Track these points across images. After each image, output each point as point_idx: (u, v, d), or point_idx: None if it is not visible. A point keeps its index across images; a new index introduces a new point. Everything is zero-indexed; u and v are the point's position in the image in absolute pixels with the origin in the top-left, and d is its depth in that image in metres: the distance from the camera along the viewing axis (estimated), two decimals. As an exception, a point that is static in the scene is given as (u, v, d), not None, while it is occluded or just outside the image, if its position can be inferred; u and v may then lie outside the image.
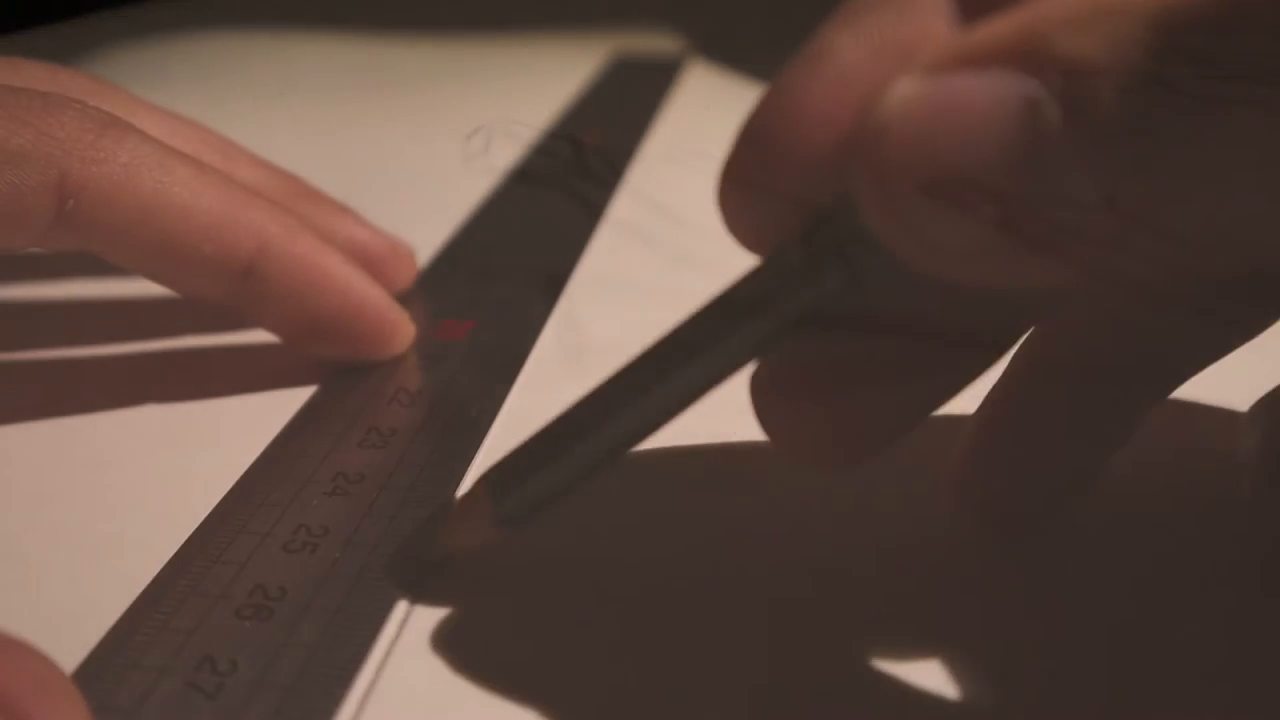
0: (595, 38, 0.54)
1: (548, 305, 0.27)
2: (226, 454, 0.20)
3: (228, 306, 0.22)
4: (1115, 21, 0.11)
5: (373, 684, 0.15)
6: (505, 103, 0.45)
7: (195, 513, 0.19)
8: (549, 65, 0.51)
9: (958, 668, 0.16)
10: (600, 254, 0.30)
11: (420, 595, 0.17)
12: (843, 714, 0.15)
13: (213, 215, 0.21)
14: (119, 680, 0.15)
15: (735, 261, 0.15)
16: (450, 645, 0.16)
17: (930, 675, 0.16)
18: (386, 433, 0.21)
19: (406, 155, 0.39)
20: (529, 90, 0.46)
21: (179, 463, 0.21)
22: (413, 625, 0.16)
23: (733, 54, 0.50)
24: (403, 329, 0.23)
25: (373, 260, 0.25)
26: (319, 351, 0.23)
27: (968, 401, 0.17)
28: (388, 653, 0.16)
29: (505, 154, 0.36)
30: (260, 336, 0.24)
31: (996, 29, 0.12)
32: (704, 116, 0.42)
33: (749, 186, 0.14)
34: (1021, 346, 0.17)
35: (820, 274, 0.14)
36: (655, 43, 0.54)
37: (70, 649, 0.15)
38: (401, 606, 0.17)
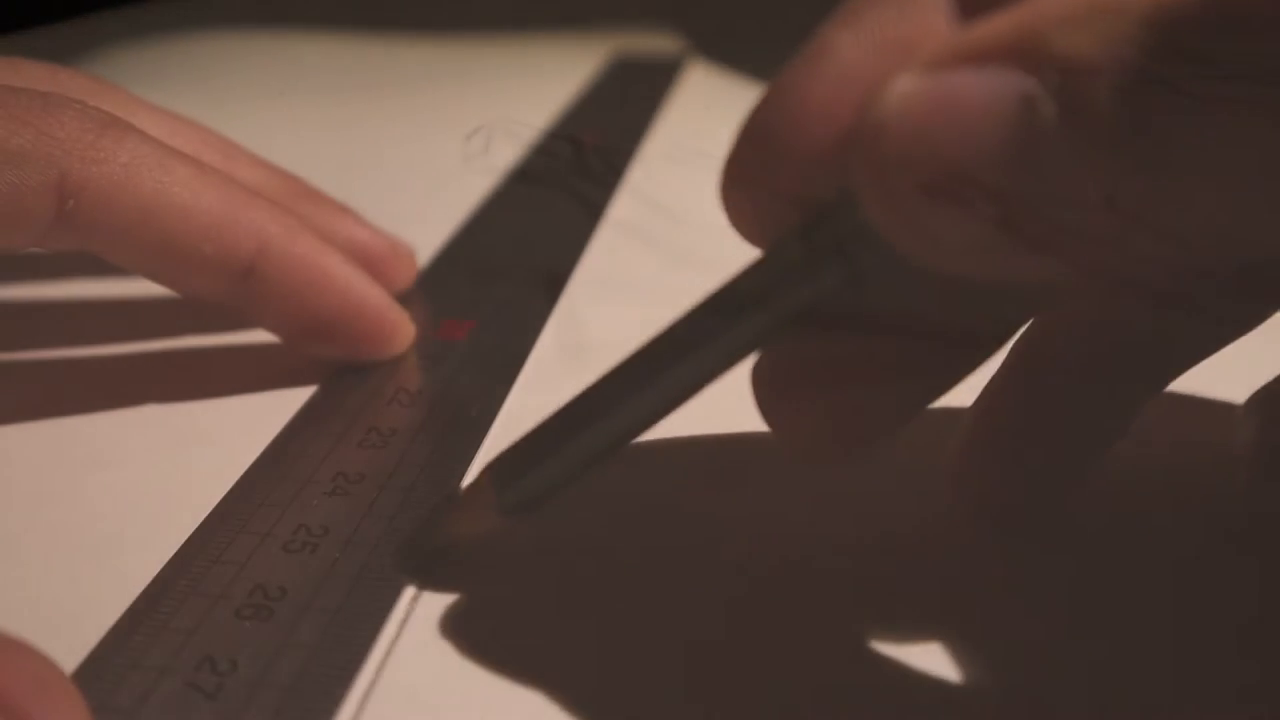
0: (595, 38, 0.54)
1: (548, 305, 0.27)
2: (226, 454, 0.20)
3: (228, 306, 0.22)
4: (1111, 20, 0.11)
5: (373, 684, 0.15)
6: (505, 103, 0.45)
7: (195, 513, 0.19)
8: (549, 65, 0.51)
9: (957, 657, 0.16)
10: (600, 254, 0.30)
11: (427, 582, 0.17)
12: (841, 697, 0.15)
13: (213, 215, 0.21)
14: (119, 680, 0.15)
15: (735, 261, 0.15)
16: (456, 630, 0.16)
17: (929, 662, 0.16)
18: (386, 433, 0.21)
19: (406, 155, 0.39)
20: (529, 90, 0.46)
21: (179, 463, 0.21)
22: (413, 625, 0.16)
23: (733, 54, 0.50)
24: (403, 329, 0.23)
25: (373, 260, 0.25)
26: (319, 351, 0.23)
27: (966, 393, 0.17)
28: (388, 653, 0.16)
29: (505, 154, 0.36)
30: (260, 336, 0.24)
31: (994, 27, 0.12)
32: (704, 116, 0.42)
33: (751, 182, 0.14)
34: (1019, 340, 0.18)
35: (819, 269, 0.14)
36: (655, 43, 0.54)
37: (70, 649, 0.15)
38: (402, 606, 0.17)
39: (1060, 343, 0.17)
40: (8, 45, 0.28)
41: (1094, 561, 0.18)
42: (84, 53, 0.49)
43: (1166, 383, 0.18)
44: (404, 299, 0.25)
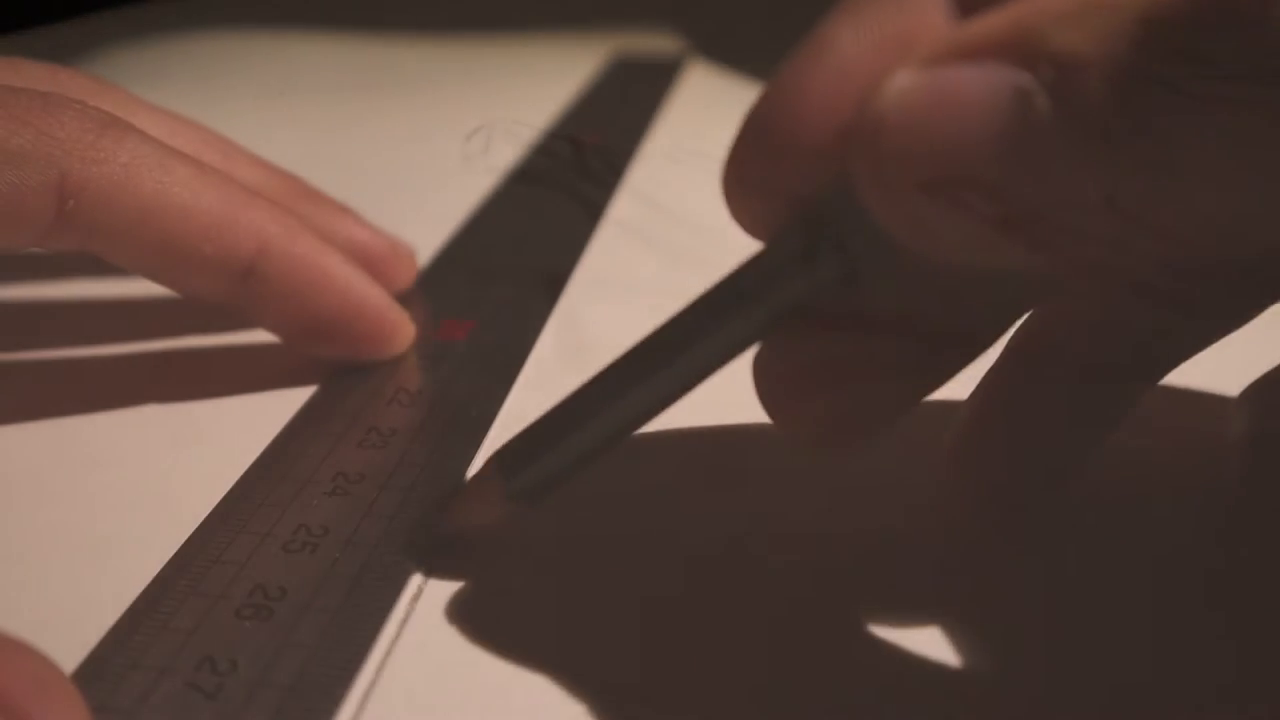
0: (595, 38, 0.54)
1: (548, 305, 0.27)
2: (226, 454, 0.20)
3: (228, 306, 0.22)
4: (1104, 16, 0.11)
5: (373, 684, 0.15)
6: (505, 103, 0.45)
7: (195, 513, 0.19)
8: (549, 65, 0.51)
9: (953, 642, 0.16)
10: (600, 254, 0.30)
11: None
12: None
13: (213, 215, 0.21)
14: (119, 680, 0.15)
15: (735, 260, 0.15)
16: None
17: (928, 646, 0.16)
18: (386, 433, 0.21)
19: (406, 155, 0.39)
20: (529, 90, 0.46)
21: (179, 463, 0.21)
22: (413, 625, 0.16)
23: (733, 54, 0.50)
24: (403, 329, 0.23)
25: (373, 260, 0.25)
26: (319, 351, 0.23)
27: (964, 384, 0.18)
28: (388, 653, 0.16)
29: (505, 154, 0.36)
30: (260, 336, 0.24)
31: (991, 23, 0.12)
32: (704, 116, 0.42)
33: (752, 176, 0.15)
34: (1016, 332, 0.18)
35: (817, 261, 0.14)
36: (655, 43, 0.54)
37: (70, 649, 0.15)
38: (402, 606, 0.17)
39: (1057, 335, 0.18)
40: (8, 45, 0.29)
41: (1089, 549, 0.18)
42: (84, 53, 0.49)
43: (1162, 375, 0.18)
44: (404, 299, 0.25)
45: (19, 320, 0.27)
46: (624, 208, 0.33)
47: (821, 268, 0.14)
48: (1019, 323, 0.18)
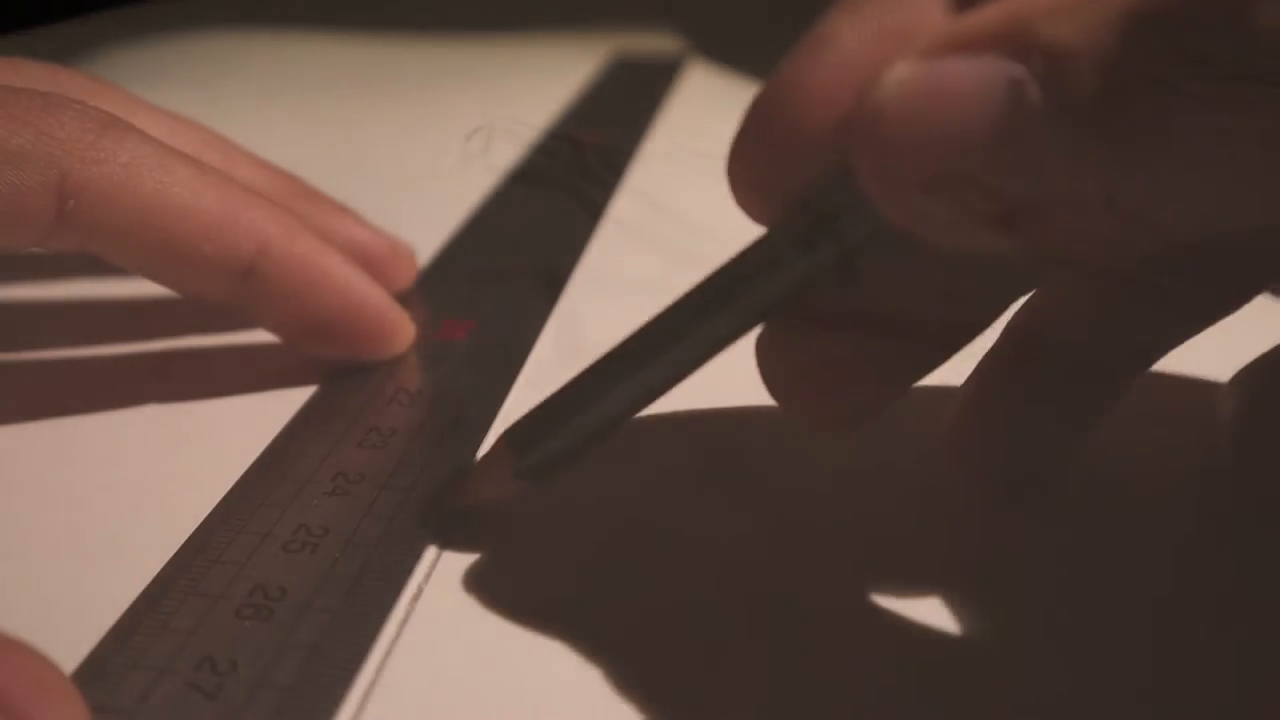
0: (595, 38, 0.54)
1: (548, 305, 0.27)
2: (226, 454, 0.20)
3: (228, 306, 0.22)
4: (1094, 10, 0.11)
5: (373, 684, 0.15)
6: (505, 103, 0.45)
7: (195, 513, 0.19)
8: (549, 65, 0.51)
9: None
10: (600, 254, 0.30)
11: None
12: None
13: (213, 215, 0.21)
14: (119, 680, 0.15)
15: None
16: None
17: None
18: (386, 433, 0.21)
19: (406, 155, 0.39)
20: (529, 90, 0.46)
21: (179, 463, 0.21)
22: (413, 625, 0.16)
23: (733, 54, 0.50)
24: (403, 329, 0.23)
25: (373, 260, 0.25)
26: (319, 351, 0.23)
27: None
28: (388, 653, 0.16)
29: (505, 154, 0.36)
30: (260, 336, 0.24)
31: (986, 16, 0.12)
32: (704, 116, 0.42)
33: (756, 165, 0.15)
34: (1013, 316, 0.19)
35: (817, 247, 0.15)
36: (655, 43, 0.54)
37: (70, 649, 0.15)
38: (402, 606, 0.17)
39: (1052, 320, 0.18)
40: (8, 45, 0.29)
41: (1081, 531, 0.18)
42: (84, 53, 0.49)
43: (1154, 360, 0.19)
44: (404, 299, 0.25)
45: (19, 320, 0.27)
46: (624, 207, 0.33)
47: (821, 253, 0.15)
48: (1015, 306, 0.18)
